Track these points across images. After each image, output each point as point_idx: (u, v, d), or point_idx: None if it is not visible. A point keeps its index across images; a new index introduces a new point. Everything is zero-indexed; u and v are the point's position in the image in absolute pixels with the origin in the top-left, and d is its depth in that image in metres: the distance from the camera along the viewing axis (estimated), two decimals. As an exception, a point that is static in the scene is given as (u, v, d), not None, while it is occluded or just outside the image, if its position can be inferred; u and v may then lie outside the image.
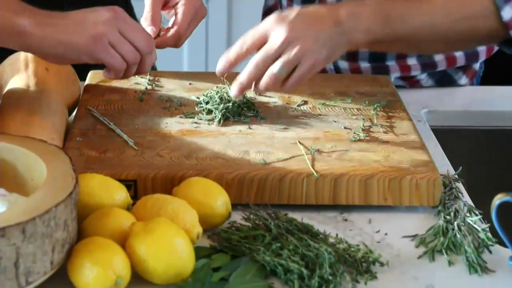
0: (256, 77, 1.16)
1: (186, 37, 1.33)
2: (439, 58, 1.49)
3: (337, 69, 1.52)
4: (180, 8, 1.32)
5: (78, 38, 1.13)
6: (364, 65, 1.49)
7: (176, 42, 1.32)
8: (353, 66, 1.50)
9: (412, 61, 1.49)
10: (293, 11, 1.17)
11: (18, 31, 1.11)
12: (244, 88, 1.18)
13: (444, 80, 1.52)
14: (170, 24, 1.34)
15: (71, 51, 1.14)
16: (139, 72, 1.21)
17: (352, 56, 1.49)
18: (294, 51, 1.14)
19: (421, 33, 1.21)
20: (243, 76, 1.17)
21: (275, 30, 1.15)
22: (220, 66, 1.20)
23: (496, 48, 1.52)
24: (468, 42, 1.29)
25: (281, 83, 1.16)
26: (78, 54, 1.15)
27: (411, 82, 1.52)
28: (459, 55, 1.49)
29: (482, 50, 1.50)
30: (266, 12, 1.66)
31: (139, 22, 1.57)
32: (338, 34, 1.17)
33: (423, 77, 1.51)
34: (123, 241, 0.94)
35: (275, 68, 1.14)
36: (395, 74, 1.50)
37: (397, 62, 1.49)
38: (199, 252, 0.98)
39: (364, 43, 1.20)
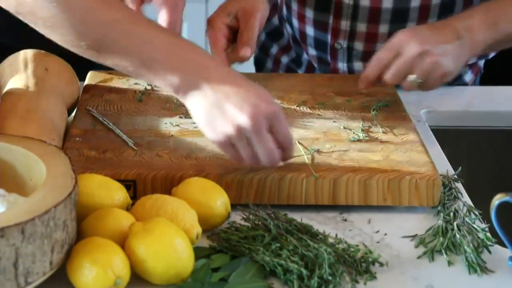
0: (395, 82, 1.30)
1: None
2: None
3: (351, 71, 1.51)
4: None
5: (208, 122, 1.05)
6: None
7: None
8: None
9: None
10: (419, 28, 1.32)
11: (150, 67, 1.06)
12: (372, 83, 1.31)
13: None
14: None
15: (201, 126, 1.08)
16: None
17: (367, 56, 1.48)
18: (426, 62, 1.26)
19: None
20: (386, 77, 1.28)
21: (408, 43, 1.27)
22: (361, 84, 1.31)
23: None
24: None
25: (417, 87, 1.30)
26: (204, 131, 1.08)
27: None
28: None
29: None
30: None
31: None
32: (459, 47, 1.29)
33: None
34: (123, 241, 0.94)
35: (412, 77, 1.28)
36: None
37: None
38: (199, 252, 0.98)
39: (481, 51, 1.34)
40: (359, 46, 1.48)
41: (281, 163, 1.10)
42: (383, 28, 1.45)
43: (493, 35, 1.31)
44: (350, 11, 1.45)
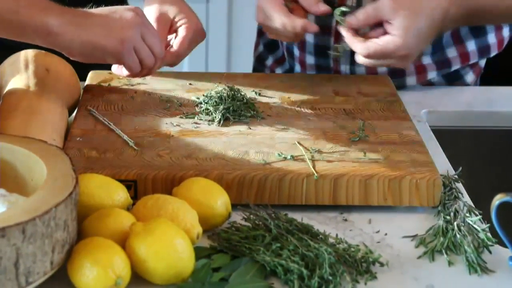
0: (365, 55, 1.27)
1: (183, 57, 1.34)
2: (452, 54, 1.49)
3: (353, 73, 1.51)
4: (181, 30, 1.33)
5: (106, 41, 1.16)
6: (380, 68, 1.49)
7: (174, 61, 1.33)
8: (370, 70, 1.49)
9: (427, 60, 1.48)
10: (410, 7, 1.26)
11: (47, 30, 1.14)
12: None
13: (453, 76, 1.52)
14: (171, 43, 1.35)
15: (98, 52, 1.17)
16: (148, 74, 1.27)
17: None
18: (402, 63, 1.28)
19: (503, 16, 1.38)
20: (358, 48, 1.28)
21: (393, 35, 1.25)
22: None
23: (506, 43, 1.52)
24: None
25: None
26: (104, 56, 1.19)
27: (424, 82, 1.52)
28: (472, 50, 1.49)
29: (493, 43, 1.50)
30: None
31: None
32: (436, 36, 1.30)
33: (434, 75, 1.51)
34: (123, 241, 0.94)
35: (380, 65, 1.30)
36: (411, 77, 1.49)
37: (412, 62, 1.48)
38: (199, 252, 0.98)
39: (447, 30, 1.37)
40: None
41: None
42: None
43: (468, 22, 1.34)
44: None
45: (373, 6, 1.26)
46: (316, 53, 1.51)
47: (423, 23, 1.26)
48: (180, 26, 1.34)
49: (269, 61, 1.62)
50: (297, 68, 1.56)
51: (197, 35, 1.35)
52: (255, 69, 1.67)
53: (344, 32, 1.29)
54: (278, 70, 1.61)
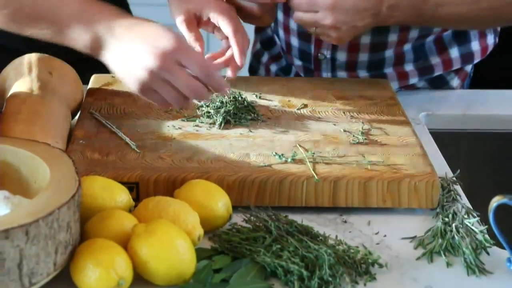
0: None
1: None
2: (435, 61, 1.49)
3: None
4: (223, 26, 1.31)
5: (123, 74, 1.11)
6: (363, 74, 1.49)
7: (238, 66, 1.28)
8: (351, 75, 1.50)
9: (409, 67, 1.49)
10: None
11: (93, 45, 1.12)
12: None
13: (437, 82, 1.52)
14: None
15: (121, 79, 1.14)
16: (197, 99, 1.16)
17: (350, 66, 1.49)
18: (330, 36, 1.27)
19: (448, 22, 1.36)
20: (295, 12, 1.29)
21: (323, 12, 1.25)
22: None
23: (489, 50, 1.52)
24: (493, 25, 1.48)
25: None
26: (124, 83, 1.14)
27: (406, 86, 1.52)
28: (455, 57, 1.49)
29: (476, 51, 1.50)
30: None
31: None
32: (372, 23, 1.29)
33: (416, 80, 1.51)
34: (125, 242, 0.95)
35: (306, 23, 1.28)
36: (392, 82, 1.49)
37: (394, 69, 1.49)
38: (200, 254, 0.98)
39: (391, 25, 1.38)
40: (341, 56, 1.47)
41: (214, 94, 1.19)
42: (365, 39, 1.45)
43: (413, 21, 1.33)
44: None
45: None
46: (301, 57, 1.52)
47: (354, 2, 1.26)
48: (218, 21, 1.30)
49: (265, 58, 1.63)
50: (293, 67, 1.56)
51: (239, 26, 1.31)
52: (251, 66, 1.68)
53: None
54: (273, 67, 1.61)
